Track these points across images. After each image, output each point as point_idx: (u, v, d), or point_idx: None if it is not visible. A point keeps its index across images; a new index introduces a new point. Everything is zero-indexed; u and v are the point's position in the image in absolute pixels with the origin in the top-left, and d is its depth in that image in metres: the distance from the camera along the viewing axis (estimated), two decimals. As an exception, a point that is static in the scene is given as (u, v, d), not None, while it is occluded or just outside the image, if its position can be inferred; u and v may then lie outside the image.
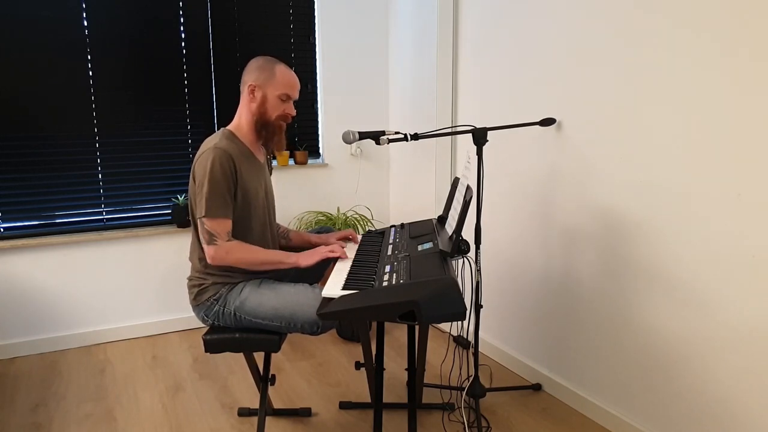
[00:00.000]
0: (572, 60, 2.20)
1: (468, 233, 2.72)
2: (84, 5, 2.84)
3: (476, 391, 2.21)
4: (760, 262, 1.65)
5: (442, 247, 1.73)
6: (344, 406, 2.37)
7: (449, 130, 2.84)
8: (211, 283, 1.91)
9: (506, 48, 2.54)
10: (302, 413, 2.31)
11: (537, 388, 2.51)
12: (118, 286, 3.07)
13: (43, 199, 2.91)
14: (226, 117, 3.20)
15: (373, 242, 2.07)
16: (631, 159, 2.00)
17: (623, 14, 1.97)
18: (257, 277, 1.95)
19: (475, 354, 2.24)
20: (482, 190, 2.51)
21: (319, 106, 3.44)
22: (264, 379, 2.05)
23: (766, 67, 1.58)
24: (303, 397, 2.46)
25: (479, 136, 2.10)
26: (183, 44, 3.07)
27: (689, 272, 1.85)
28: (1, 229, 2.86)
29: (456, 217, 1.74)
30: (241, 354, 2.10)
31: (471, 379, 2.24)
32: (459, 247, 1.68)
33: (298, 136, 3.43)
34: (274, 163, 3.32)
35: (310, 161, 3.45)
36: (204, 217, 1.81)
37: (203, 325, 3.19)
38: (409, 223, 2.23)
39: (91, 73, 2.91)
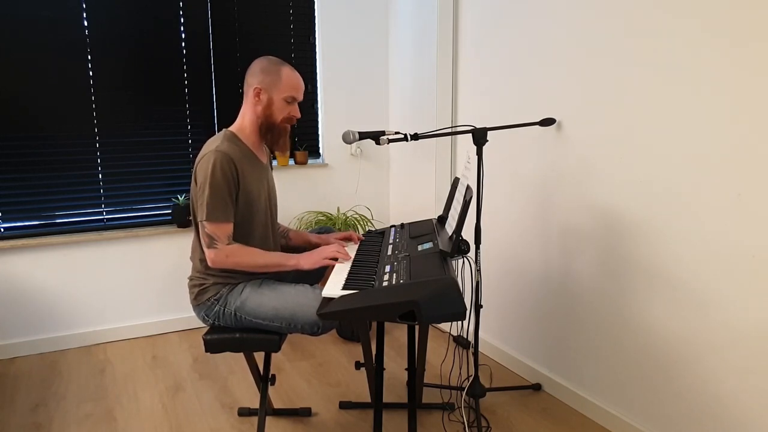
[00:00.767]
0: (572, 60, 2.20)
1: (468, 233, 2.72)
2: (84, 5, 2.84)
3: (476, 391, 2.21)
4: (760, 262, 1.65)
5: (442, 247, 1.73)
6: (344, 406, 2.37)
7: (449, 130, 2.84)
8: (211, 283, 1.91)
9: (506, 48, 2.54)
10: (302, 413, 2.31)
11: (537, 388, 2.51)
12: (118, 286, 3.07)
13: (43, 199, 2.91)
14: (226, 117, 3.20)
15: (373, 242, 2.07)
16: (631, 159, 2.00)
17: (623, 14, 1.97)
18: (258, 277, 1.95)
19: (475, 354, 2.24)
20: (482, 190, 2.51)
21: (319, 106, 3.44)
22: (264, 379, 2.05)
23: (766, 66, 1.58)
24: (303, 397, 2.46)
25: (479, 136, 2.10)
26: (183, 44, 3.07)
27: (689, 272, 1.85)
28: (1, 229, 2.86)
29: (456, 217, 1.74)
30: (241, 354, 2.10)
31: (471, 379, 2.24)
32: (459, 247, 1.68)
33: (298, 136, 3.43)
34: (275, 163, 3.32)
35: (310, 161, 3.45)
36: (205, 220, 1.81)
37: (203, 325, 3.19)
38: (409, 223, 2.23)
39: (91, 73, 2.91)
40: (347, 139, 2.06)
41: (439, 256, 1.68)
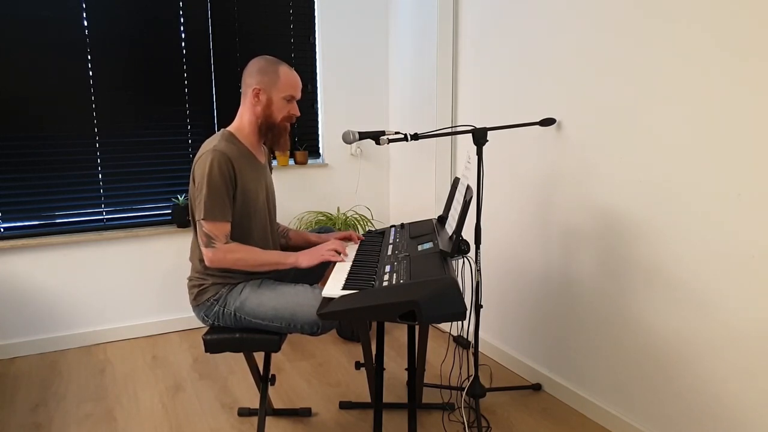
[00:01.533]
0: (572, 60, 2.20)
1: (468, 233, 2.71)
2: (84, 5, 2.84)
3: (476, 391, 2.21)
4: (760, 262, 1.65)
5: (442, 247, 1.73)
6: (344, 406, 2.37)
7: (449, 130, 2.83)
8: (211, 283, 1.91)
9: (506, 48, 2.54)
10: (302, 413, 2.31)
11: (537, 388, 2.51)
12: (118, 286, 3.07)
13: (43, 199, 2.91)
14: (226, 117, 3.20)
15: (373, 242, 2.07)
16: (631, 159, 2.00)
17: (623, 14, 1.97)
18: (257, 277, 1.95)
19: (475, 354, 2.24)
20: (482, 190, 2.51)
21: (319, 106, 3.44)
22: (264, 379, 2.05)
23: (766, 66, 1.58)
24: (303, 397, 2.46)
25: (479, 136, 2.10)
26: (183, 44, 3.07)
27: (689, 272, 1.85)
28: (1, 229, 2.86)
29: (456, 217, 1.74)
30: (241, 354, 2.10)
31: (471, 379, 2.24)
32: (459, 247, 1.68)
33: (298, 136, 3.43)
34: (274, 162, 3.32)
35: (310, 161, 3.45)
36: (202, 219, 1.81)
37: (203, 325, 3.19)
38: (409, 223, 2.23)
39: (91, 73, 2.91)
40: (347, 139, 2.06)
41: (439, 256, 1.68)
